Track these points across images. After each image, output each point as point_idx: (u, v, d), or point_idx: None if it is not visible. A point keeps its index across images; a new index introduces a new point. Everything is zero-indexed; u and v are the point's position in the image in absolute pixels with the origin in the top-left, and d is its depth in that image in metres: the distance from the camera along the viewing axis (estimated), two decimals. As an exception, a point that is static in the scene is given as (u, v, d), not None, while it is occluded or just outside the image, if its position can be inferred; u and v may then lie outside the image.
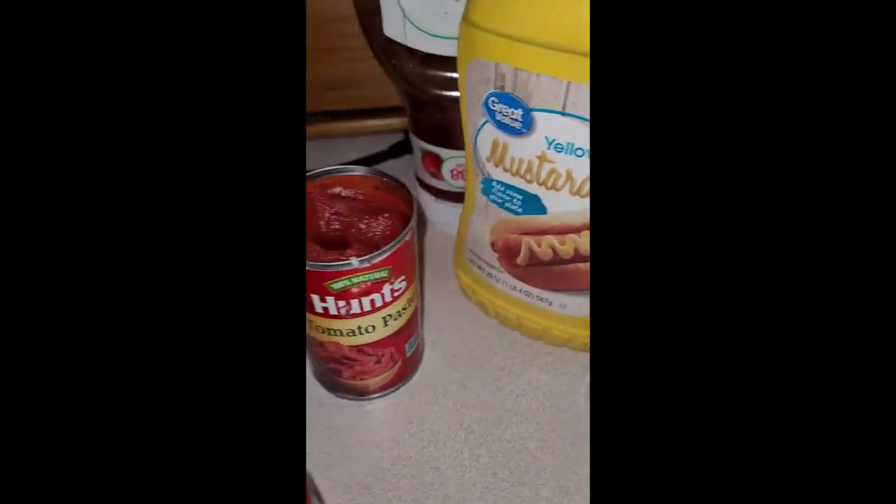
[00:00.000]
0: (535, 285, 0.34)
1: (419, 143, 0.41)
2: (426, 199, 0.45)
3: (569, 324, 0.34)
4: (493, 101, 0.28)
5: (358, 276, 0.27)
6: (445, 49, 0.34)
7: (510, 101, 0.27)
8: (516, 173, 0.30)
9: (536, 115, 0.27)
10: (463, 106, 0.31)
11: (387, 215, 0.30)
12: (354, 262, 0.26)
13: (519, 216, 0.31)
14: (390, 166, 0.53)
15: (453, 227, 0.46)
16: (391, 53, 0.36)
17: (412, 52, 0.35)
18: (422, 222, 0.46)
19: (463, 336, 0.38)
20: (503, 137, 0.29)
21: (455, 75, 0.35)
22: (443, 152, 0.40)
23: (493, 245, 0.34)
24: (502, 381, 0.35)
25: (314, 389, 0.35)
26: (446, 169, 0.41)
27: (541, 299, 0.34)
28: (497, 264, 0.35)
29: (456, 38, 0.33)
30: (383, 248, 0.27)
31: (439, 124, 0.39)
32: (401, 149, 0.53)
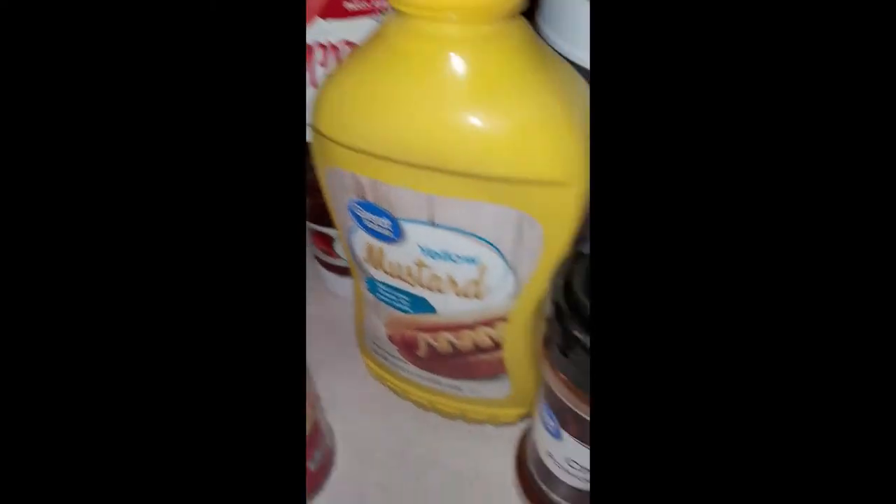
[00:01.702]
0: (442, 374, 0.32)
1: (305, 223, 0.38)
2: (327, 275, 0.42)
3: (484, 405, 0.33)
4: (358, 209, 0.26)
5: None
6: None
7: (375, 210, 0.25)
8: (397, 276, 0.27)
9: (405, 224, 0.24)
10: (330, 206, 0.28)
11: None
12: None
13: (410, 314, 0.29)
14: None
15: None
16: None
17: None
18: (328, 296, 0.43)
19: (378, 426, 0.36)
20: (377, 243, 0.26)
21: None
22: (332, 232, 0.37)
23: (390, 338, 0.32)
24: (426, 475, 0.33)
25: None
26: (339, 247, 0.38)
27: (450, 386, 0.32)
28: (399, 355, 0.32)
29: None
30: None
31: (319, 208, 0.36)
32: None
